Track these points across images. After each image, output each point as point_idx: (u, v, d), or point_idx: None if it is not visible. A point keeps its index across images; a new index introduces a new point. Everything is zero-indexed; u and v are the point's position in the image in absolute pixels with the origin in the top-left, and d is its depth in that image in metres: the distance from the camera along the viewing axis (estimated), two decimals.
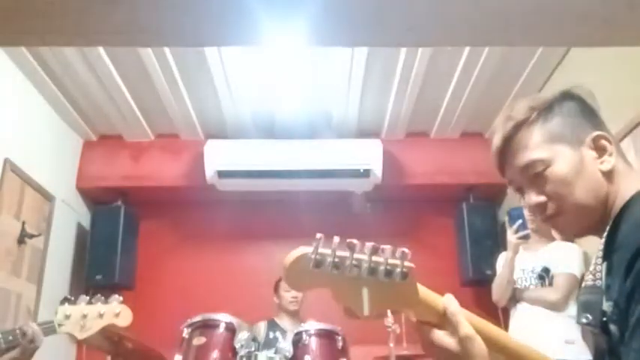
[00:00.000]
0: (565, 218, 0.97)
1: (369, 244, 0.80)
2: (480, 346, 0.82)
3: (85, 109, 4.12)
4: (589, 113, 1.02)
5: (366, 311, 0.79)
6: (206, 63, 3.54)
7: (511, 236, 3.05)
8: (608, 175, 0.96)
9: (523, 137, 1.00)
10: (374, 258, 0.80)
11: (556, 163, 0.96)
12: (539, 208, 0.99)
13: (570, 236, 1.04)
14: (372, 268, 0.79)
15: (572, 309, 2.85)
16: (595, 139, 0.98)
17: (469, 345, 0.82)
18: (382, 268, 0.80)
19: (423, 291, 0.86)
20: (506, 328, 3.07)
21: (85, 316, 1.89)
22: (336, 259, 0.78)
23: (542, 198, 0.98)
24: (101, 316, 1.91)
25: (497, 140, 1.03)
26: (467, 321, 0.85)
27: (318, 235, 0.78)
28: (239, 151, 4.21)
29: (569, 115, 1.00)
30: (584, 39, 1.75)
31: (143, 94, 3.93)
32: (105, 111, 4.11)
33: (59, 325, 1.87)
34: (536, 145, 0.98)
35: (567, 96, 1.03)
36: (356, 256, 0.79)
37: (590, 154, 0.97)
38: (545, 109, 1.01)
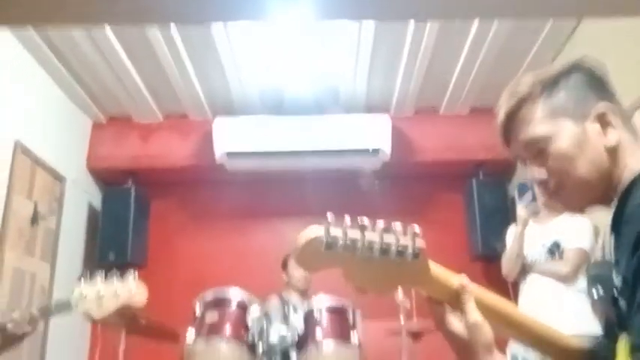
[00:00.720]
0: (567, 193, 0.97)
1: (379, 223, 0.79)
2: (485, 334, 0.84)
3: (93, 91, 4.13)
4: (596, 84, 0.99)
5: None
6: (213, 41, 3.52)
7: (521, 210, 3.05)
8: (614, 148, 0.94)
9: (527, 112, 0.98)
10: (385, 238, 0.79)
11: (558, 139, 0.95)
12: (542, 185, 0.99)
13: (575, 210, 1.02)
14: (383, 249, 0.79)
15: (582, 283, 2.86)
16: (600, 112, 0.96)
17: (474, 333, 0.84)
18: (394, 248, 0.80)
19: (435, 269, 0.86)
20: (515, 302, 3.09)
21: (101, 296, 1.91)
22: (348, 241, 0.78)
23: (544, 175, 0.97)
24: (117, 295, 1.93)
25: (501, 115, 1.01)
26: (478, 296, 0.87)
27: (329, 215, 0.78)
28: (247, 130, 4.21)
29: (575, 87, 0.98)
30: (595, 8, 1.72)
31: (151, 75, 3.93)
32: (114, 92, 4.12)
33: (76, 304, 1.90)
34: (539, 121, 0.97)
35: (574, 68, 1.00)
36: (367, 236, 0.79)
37: (594, 127, 0.95)
38: (551, 83, 0.99)
